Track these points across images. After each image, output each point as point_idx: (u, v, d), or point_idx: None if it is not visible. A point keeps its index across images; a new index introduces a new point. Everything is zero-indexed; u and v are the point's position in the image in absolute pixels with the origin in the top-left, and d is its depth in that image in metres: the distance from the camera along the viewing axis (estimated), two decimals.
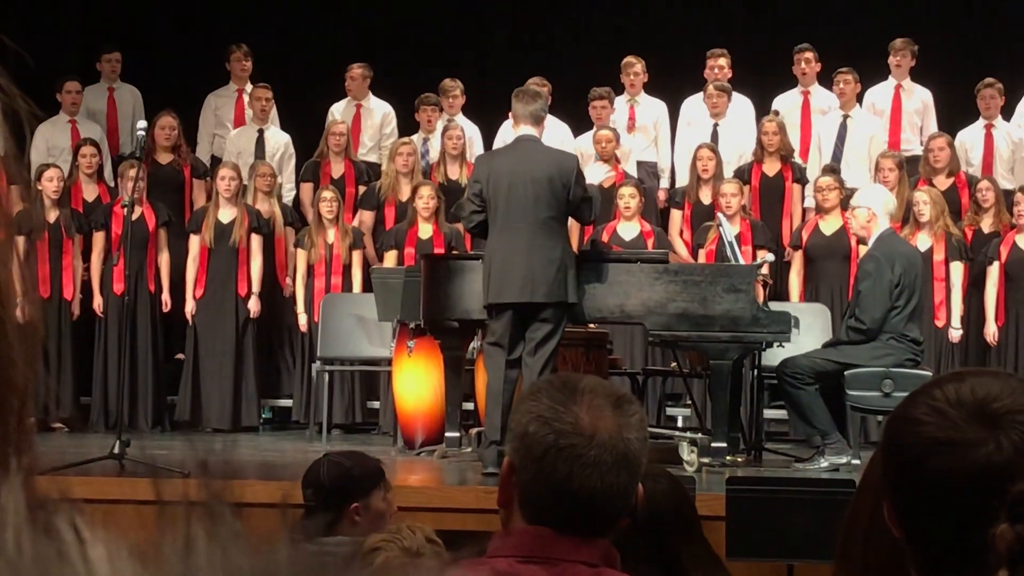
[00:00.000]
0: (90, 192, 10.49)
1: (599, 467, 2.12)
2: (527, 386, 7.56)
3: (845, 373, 8.14)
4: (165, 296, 10.16)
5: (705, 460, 7.89)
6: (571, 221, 8.04)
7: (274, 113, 11.32)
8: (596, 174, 8.39)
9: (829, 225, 9.90)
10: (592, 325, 8.49)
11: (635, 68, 11.28)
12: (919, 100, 11.01)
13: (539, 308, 7.55)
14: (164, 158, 10.75)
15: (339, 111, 11.39)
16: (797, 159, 10.72)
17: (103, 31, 12.17)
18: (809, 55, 11.10)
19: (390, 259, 10.09)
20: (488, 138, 11.01)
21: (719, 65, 11.29)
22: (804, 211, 10.55)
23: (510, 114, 7.80)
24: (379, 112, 11.50)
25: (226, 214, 10.18)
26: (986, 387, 1.59)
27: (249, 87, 11.44)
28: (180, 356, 10.43)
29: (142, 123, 8.55)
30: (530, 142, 7.70)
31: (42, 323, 0.88)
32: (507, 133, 10.03)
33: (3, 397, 0.84)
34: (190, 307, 10.18)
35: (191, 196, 10.77)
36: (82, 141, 10.60)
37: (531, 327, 7.57)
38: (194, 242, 10.19)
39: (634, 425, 2.17)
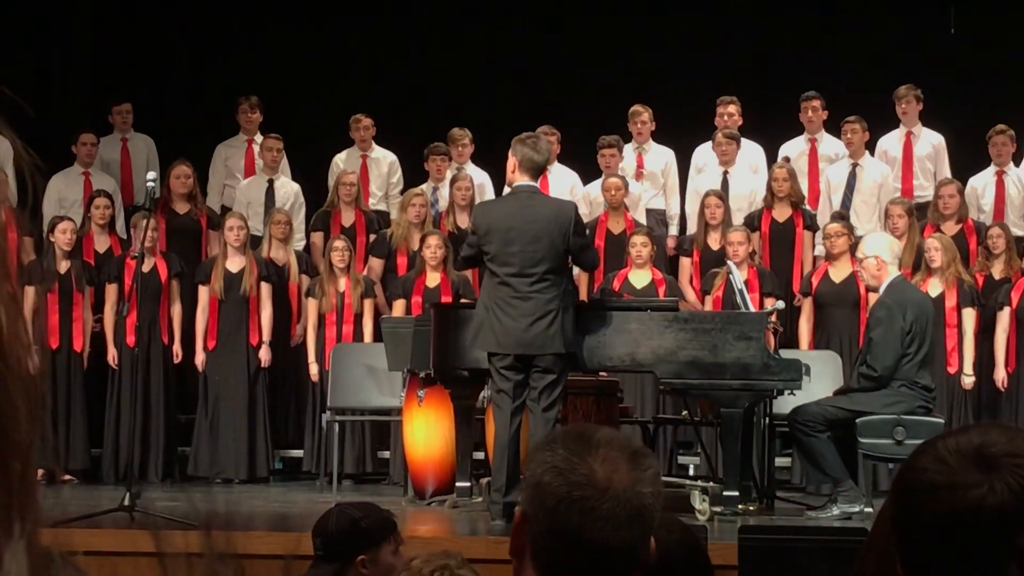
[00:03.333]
0: (102, 244, 10.54)
1: (612, 520, 2.12)
2: (532, 435, 7.59)
3: (857, 421, 8.13)
4: (176, 347, 10.19)
5: (717, 509, 7.87)
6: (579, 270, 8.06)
7: (284, 163, 11.38)
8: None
9: (839, 272, 9.91)
10: (603, 373, 8.49)
11: (642, 117, 11.34)
12: (930, 145, 11.03)
13: (537, 358, 7.56)
14: (181, 208, 10.81)
15: (343, 161, 11.46)
16: (807, 206, 10.75)
17: (114, 82, 12.24)
18: (816, 103, 11.14)
19: (398, 308, 10.12)
20: (499, 185, 11.05)
21: (729, 112, 11.33)
22: (815, 258, 10.56)
23: (511, 162, 7.71)
24: (385, 161, 11.56)
25: (234, 264, 10.21)
26: (984, 435, 1.67)
27: (259, 137, 11.51)
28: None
29: (151, 174, 8.60)
30: (528, 192, 7.69)
31: (47, 378, 0.89)
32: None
33: (6, 459, 0.84)
34: (200, 359, 10.20)
35: (207, 246, 10.81)
36: (95, 193, 10.66)
37: (532, 376, 7.59)
38: (203, 293, 10.22)
39: (648, 480, 2.17)
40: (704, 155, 11.34)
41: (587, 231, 7.81)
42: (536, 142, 7.74)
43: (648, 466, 2.19)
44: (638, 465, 2.18)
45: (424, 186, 11.15)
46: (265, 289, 10.23)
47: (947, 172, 10.84)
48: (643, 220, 10.97)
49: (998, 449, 1.60)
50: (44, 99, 12.01)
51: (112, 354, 10.08)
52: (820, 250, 10.46)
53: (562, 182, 11.19)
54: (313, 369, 10.25)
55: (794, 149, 11.27)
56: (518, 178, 7.71)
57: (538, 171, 7.74)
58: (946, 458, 1.62)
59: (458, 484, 8.50)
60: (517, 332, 7.51)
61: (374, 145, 11.56)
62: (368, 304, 10.27)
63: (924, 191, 10.88)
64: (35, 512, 0.87)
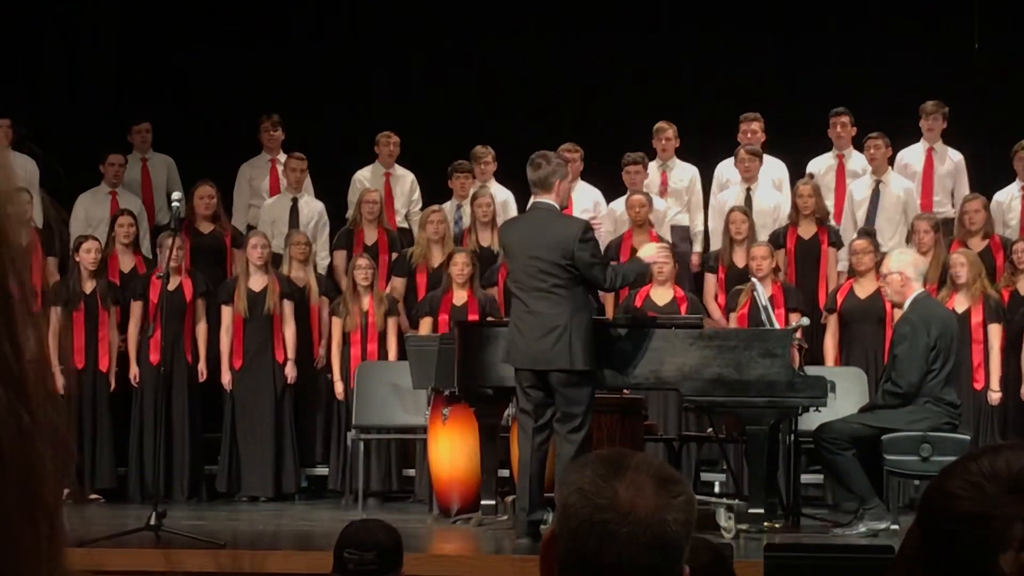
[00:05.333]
0: (127, 263, 10.59)
1: (631, 545, 2.10)
2: (558, 457, 7.60)
3: (882, 438, 8.11)
4: (201, 366, 10.22)
5: (742, 526, 7.87)
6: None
7: (307, 182, 11.41)
8: (647, 251, 8.36)
9: (864, 288, 9.89)
10: (627, 391, 8.49)
11: (667, 133, 11.34)
12: (951, 162, 11.02)
13: (549, 375, 7.56)
14: (205, 227, 10.86)
15: (366, 179, 11.48)
16: (832, 222, 10.74)
17: (137, 102, 12.30)
18: (845, 119, 11.13)
19: (425, 326, 10.13)
20: (522, 202, 11.05)
21: (752, 129, 11.33)
22: (839, 274, 10.55)
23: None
24: (406, 179, 11.60)
25: (257, 282, 10.25)
26: (1021, 460, 1.59)
27: (282, 156, 11.55)
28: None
29: (177, 194, 8.61)
30: (542, 210, 7.74)
31: (71, 424, 0.88)
32: None
33: (34, 518, 0.84)
34: (227, 378, 10.23)
35: (232, 265, 10.85)
36: (119, 212, 10.71)
37: (555, 395, 7.59)
38: (227, 313, 10.26)
39: (677, 507, 2.14)
40: (727, 171, 11.33)
41: (599, 250, 7.78)
42: (533, 159, 7.78)
43: (678, 493, 2.16)
44: (666, 491, 2.15)
45: (448, 204, 11.18)
46: (288, 307, 10.27)
47: (966, 190, 10.82)
48: (668, 237, 10.96)
49: None
50: (72, 118, 12.09)
51: (134, 372, 10.12)
52: (843, 265, 10.45)
53: (585, 199, 11.20)
54: (338, 387, 10.27)
55: (822, 165, 11.26)
56: (534, 196, 7.81)
57: (544, 185, 7.71)
58: (981, 484, 1.55)
59: (483, 502, 8.51)
60: (528, 347, 7.55)
61: (395, 163, 11.60)
62: (392, 322, 10.29)
63: (942, 208, 10.87)
64: (62, 566, 0.88)
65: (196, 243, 10.79)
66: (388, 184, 11.53)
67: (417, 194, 11.59)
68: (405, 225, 11.46)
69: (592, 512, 2.15)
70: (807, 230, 10.53)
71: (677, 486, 2.19)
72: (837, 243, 10.57)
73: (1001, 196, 10.69)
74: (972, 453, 1.68)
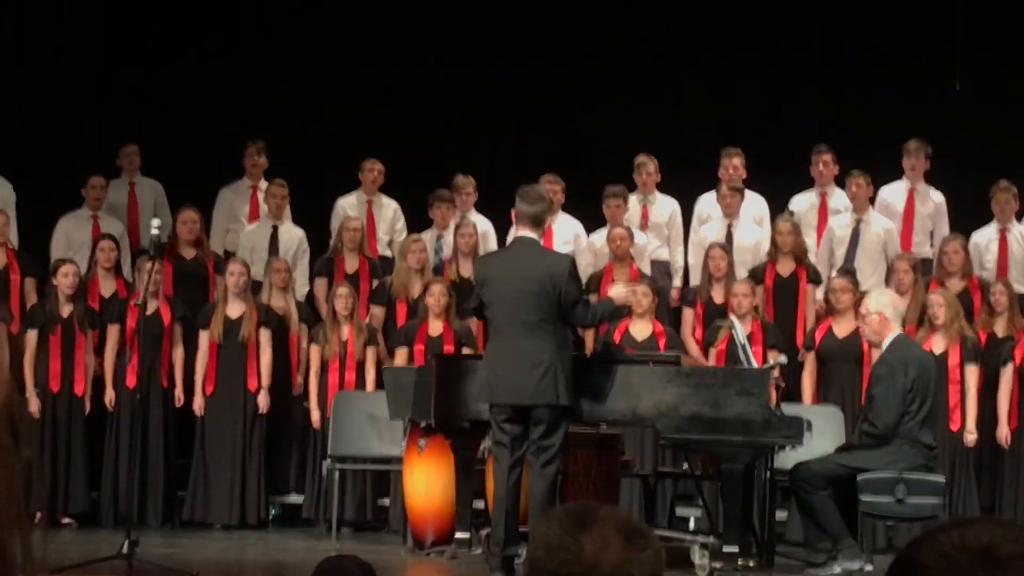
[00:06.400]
0: (107, 287, 10.54)
1: None
2: (531, 490, 7.59)
3: (858, 478, 8.11)
4: (178, 391, 10.19)
5: (716, 564, 7.86)
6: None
7: (288, 209, 11.38)
8: (616, 292, 8.34)
9: (842, 327, 9.91)
10: (603, 426, 8.48)
11: (648, 167, 11.35)
12: (932, 203, 11.04)
13: (532, 409, 7.56)
14: (188, 253, 10.82)
15: (349, 206, 11.46)
16: (812, 259, 10.75)
17: (123, 125, 12.28)
18: (827, 156, 11.14)
19: (401, 356, 10.12)
20: (502, 233, 11.05)
21: (734, 164, 11.34)
22: (818, 310, 10.56)
23: (513, 212, 7.82)
24: (389, 207, 11.58)
25: (235, 309, 10.22)
26: (990, 533, 1.60)
27: (263, 183, 11.53)
28: None
29: (156, 220, 8.62)
30: (526, 244, 7.73)
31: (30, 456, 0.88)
32: None
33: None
34: (199, 403, 10.20)
35: (214, 291, 10.82)
36: (101, 236, 10.69)
37: (531, 429, 7.59)
38: (203, 337, 10.23)
39: (644, 561, 2.14)
40: (708, 206, 11.34)
41: (583, 287, 7.81)
42: (528, 193, 7.79)
43: (645, 547, 2.16)
44: (633, 545, 2.15)
45: (428, 233, 11.16)
46: (264, 335, 10.23)
47: (946, 231, 10.84)
48: (647, 271, 10.97)
49: (1006, 550, 1.54)
50: (54, 140, 12.06)
51: (109, 396, 10.09)
52: (819, 296, 10.47)
53: (566, 231, 11.20)
54: (315, 415, 10.24)
55: (804, 202, 11.26)
56: (519, 230, 7.80)
57: (535, 221, 7.74)
58: (952, 555, 1.56)
59: (457, 535, 8.49)
60: (510, 382, 7.55)
61: (377, 191, 11.58)
62: (370, 352, 10.27)
63: (922, 247, 10.90)
64: None
65: (178, 268, 10.74)
66: (371, 212, 11.51)
67: (401, 223, 11.57)
68: (388, 253, 11.43)
69: (557, 566, 2.14)
70: (785, 267, 10.54)
71: (644, 540, 2.18)
72: (816, 280, 10.58)
73: (979, 237, 10.71)
74: (941, 525, 1.69)
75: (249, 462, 10.18)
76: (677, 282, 11.29)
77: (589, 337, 10.19)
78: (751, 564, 8.14)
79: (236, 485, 10.13)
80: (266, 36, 12.90)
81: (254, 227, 11.33)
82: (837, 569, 7.99)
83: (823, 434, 8.82)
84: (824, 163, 11.15)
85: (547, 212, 7.87)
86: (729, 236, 10.94)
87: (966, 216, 11.01)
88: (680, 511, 10.06)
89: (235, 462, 10.14)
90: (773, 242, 10.59)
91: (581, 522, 2.18)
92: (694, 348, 10.31)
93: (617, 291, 8.34)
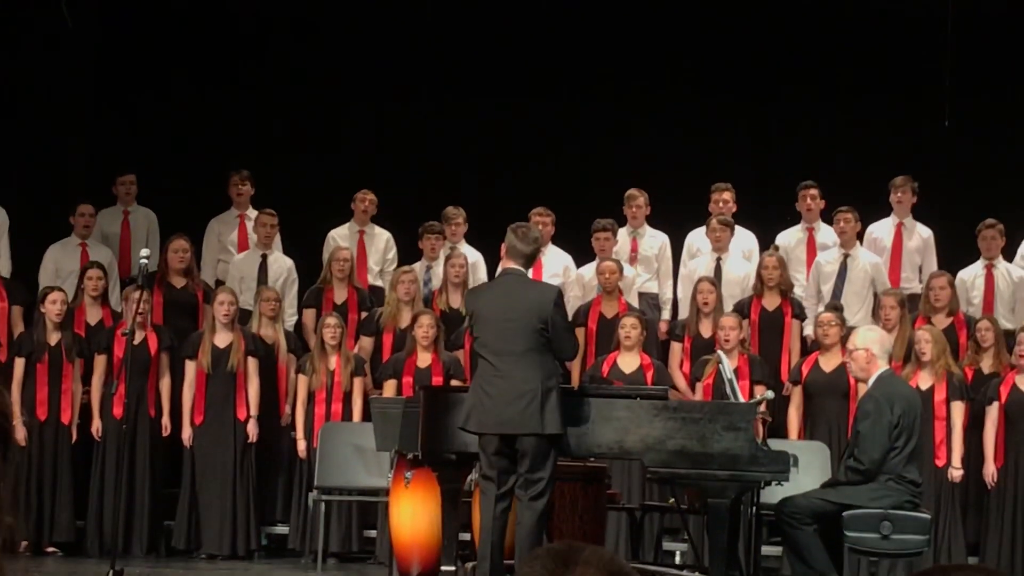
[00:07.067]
0: (94, 315, 10.53)
1: None
2: (519, 524, 7.58)
3: (843, 514, 8.10)
4: (165, 420, 10.16)
5: None
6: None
7: (277, 239, 11.40)
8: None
9: (829, 362, 9.92)
10: (591, 460, 8.47)
11: (638, 201, 11.37)
12: (919, 238, 11.08)
13: (518, 440, 7.56)
14: (178, 282, 10.82)
15: (341, 237, 11.47)
16: (798, 293, 10.78)
17: (116, 155, 12.30)
18: (814, 192, 11.18)
19: (389, 388, 10.10)
20: (492, 264, 11.07)
21: (723, 199, 11.38)
22: (803, 342, 10.58)
23: (503, 246, 7.85)
24: (381, 238, 11.59)
25: (222, 339, 10.20)
26: None
27: (251, 212, 11.54)
28: None
29: (145, 251, 8.62)
30: (514, 276, 7.76)
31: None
32: None
33: None
34: (187, 433, 10.17)
35: (204, 320, 10.81)
36: (88, 264, 10.67)
37: (519, 461, 7.59)
38: (190, 368, 10.21)
39: None
40: (698, 240, 11.37)
41: (568, 319, 7.84)
42: (525, 232, 7.82)
43: None
44: None
45: (418, 264, 11.17)
46: (252, 364, 10.21)
47: (934, 266, 10.88)
48: (636, 304, 10.98)
49: None
50: (44, 168, 12.08)
51: (96, 426, 10.06)
52: (808, 331, 10.48)
53: (555, 264, 11.22)
54: (301, 446, 10.22)
55: (791, 237, 11.30)
56: (507, 263, 7.82)
57: (525, 258, 7.78)
58: None
59: (443, 567, 8.45)
60: (497, 411, 7.54)
61: (370, 221, 11.60)
62: (358, 383, 10.26)
63: (911, 283, 10.92)
64: None
65: (169, 297, 10.74)
66: (362, 242, 11.52)
67: (393, 252, 11.59)
68: (379, 283, 11.44)
69: None
70: (771, 301, 10.56)
71: None
72: (801, 315, 10.61)
73: (965, 274, 10.74)
74: (920, 573, 1.70)
75: (239, 491, 10.15)
76: (666, 315, 11.30)
77: (575, 371, 10.20)
78: None
79: (227, 514, 10.10)
80: (261, 68, 12.94)
81: (243, 256, 11.34)
82: None
83: (809, 470, 8.82)
84: (811, 198, 11.19)
85: (538, 252, 7.93)
86: (718, 270, 10.97)
87: (953, 252, 11.05)
88: (666, 545, 10.04)
89: (225, 491, 10.11)
90: (759, 276, 10.61)
91: (564, 562, 2.18)
92: (681, 382, 10.32)
93: None
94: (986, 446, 9.70)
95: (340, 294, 10.91)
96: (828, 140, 12.39)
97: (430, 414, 8.21)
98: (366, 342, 10.68)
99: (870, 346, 8.40)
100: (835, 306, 10.43)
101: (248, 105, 12.70)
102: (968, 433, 9.73)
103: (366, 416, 9.82)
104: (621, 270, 10.81)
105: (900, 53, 12.39)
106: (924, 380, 9.61)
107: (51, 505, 10.01)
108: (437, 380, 9.88)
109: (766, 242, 11.24)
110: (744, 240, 11.31)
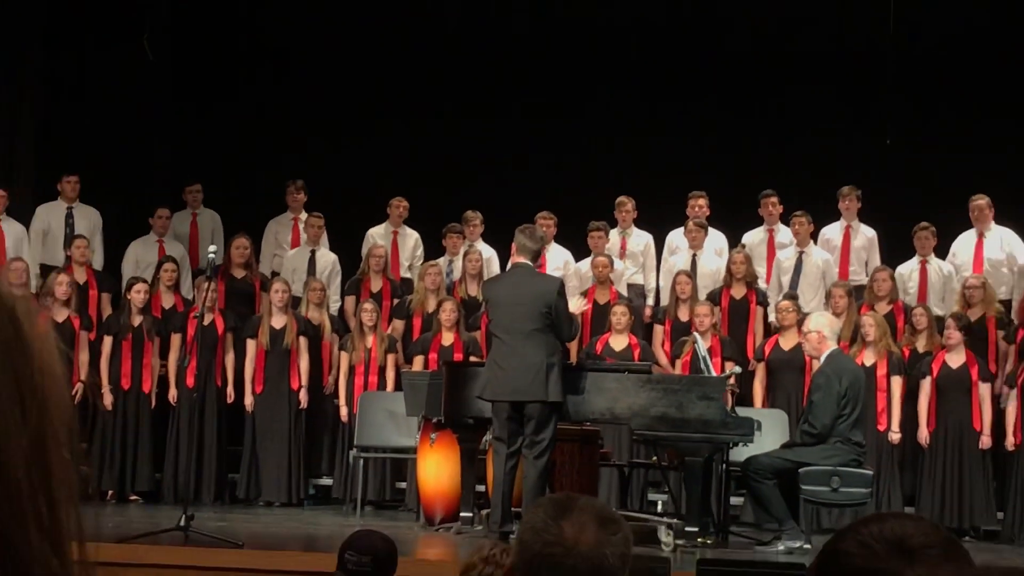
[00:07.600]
0: (168, 301, 10.57)
1: (574, 574, 2.14)
2: (525, 477, 7.62)
3: (799, 470, 8.13)
4: (230, 390, 10.21)
5: (680, 542, 7.86)
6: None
7: (324, 236, 11.45)
8: (575, 305, 8.40)
9: (787, 342, 9.93)
10: (586, 424, 8.51)
11: (626, 206, 11.41)
12: (865, 238, 11.09)
13: (526, 406, 7.61)
14: (239, 273, 10.86)
15: (378, 235, 11.52)
16: (761, 285, 10.80)
17: (186, 164, 12.38)
18: (774, 199, 11.22)
19: (418, 363, 10.13)
20: (503, 259, 11.08)
21: (699, 204, 11.39)
22: (767, 327, 10.59)
23: (513, 244, 7.90)
24: (412, 238, 11.64)
25: (278, 321, 10.25)
26: (903, 527, 1.63)
27: (304, 215, 11.58)
28: None
29: (212, 247, 8.66)
30: (523, 269, 7.81)
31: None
32: None
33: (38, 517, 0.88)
34: (249, 400, 10.22)
35: (259, 306, 10.86)
36: (164, 258, 10.73)
37: (526, 424, 7.63)
38: (251, 346, 10.24)
39: (615, 543, 2.17)
40: (677, 239, 11.39)
41: (569, 306, 7.89)
42: (532, 232, 7.91)
43: (616, 531, 2.19)
44: (606, 529, 2.18)
45: (441, 259, 11.21)
46: (303, 342, 10.26)
47: (878, 261, 10.88)
48: (625, 292, 11.01)
49: (917, 540, 1.56)
50: (128, 176, 12.13)
51: (172, 394, 10.11)
52: (772, 318, 10.50)
53: (557, 259, 11.25)
54: (343, 411, 10.27)
55: (755, 237, 11.32)
56: (517, 259, 7.88)
57: (532, 255, 7.82)
58: (871, 544, 1.59)
59: (462, 514, 8.50)
60: (510, 381, 7.59)
61: (402, 223, 11.65)
62: (391, 358, 10.30)
63: (858, 276, 10.92)
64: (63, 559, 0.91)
65: (230, 286, 10.78)
66: (395, 241, 11.56)
67: (420, 250, 11.62)
68: (409, 275, 11.49)
69: (542, 547, 2.17)
70: (739, 291, 10.58)
71: (615, 525, 2.21)
72: (764, 303, 10.63)
73: (903, 268, 10.74)
74: (861, 520, 1.71)
75: (292, 449, 10.20)
76: (650, 302, 11.32)
77: (573, 349, 10.23)
78: (709, 541, 8.14)
79: (282, 468, 10.15)
80: (311, 91, 12.97)
81: (295, 252, 11.38)
82: (781, 547, 7.99)
83: (771, 433, 8.84)
84: (773, 204, 11.22)
85: (543, 249, 8.01)
86: (694, 265, 10.98)
87: (893, 250, 11.05)
88: (650, 496, 10.06)
89: (280, 449, 10.15)
90: (728, 270, 10.63)
91: (562, 509, 2.21)
92: (663, 359, 10.34)
93: (575, 304, 8.45)
94: (920, 413, 9.70)
95: (376, 284, 10.95)
96: (787, 155, 12.38)
97: (452, 385, 8.26)
98: (398, 324, 10.72)
99: (822, 329, 8.42)
100: (792, 295, 10.44)
101: (300, 124, 12.74)
102: (905, 402, 9.73)
103: (398, 386, 9.85)
104: (612, 264, 10.83)
105: (849, 81, 12.40)
106: (868, 357, 9.62)
107: (133, 461, 10.05)
108: (458, 356, 9.91)
109: (734, 241, 11.25)
110: (716, 239, 11.32)
